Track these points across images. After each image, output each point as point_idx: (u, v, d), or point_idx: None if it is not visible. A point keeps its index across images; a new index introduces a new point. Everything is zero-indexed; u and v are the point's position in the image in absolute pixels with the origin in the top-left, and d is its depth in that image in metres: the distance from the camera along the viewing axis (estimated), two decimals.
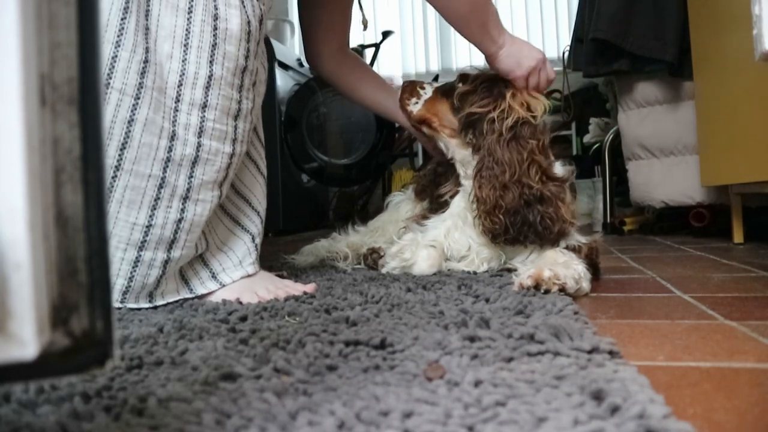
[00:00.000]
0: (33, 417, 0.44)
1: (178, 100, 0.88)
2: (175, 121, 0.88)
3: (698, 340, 0.64)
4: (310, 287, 0.99)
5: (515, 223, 1.08)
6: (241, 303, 0.91)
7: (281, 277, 1.09)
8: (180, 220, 0.90)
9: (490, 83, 1.18)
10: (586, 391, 0.43)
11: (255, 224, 1.05)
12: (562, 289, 0.89)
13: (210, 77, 0.89)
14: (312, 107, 2.89)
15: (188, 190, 0.90)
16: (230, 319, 0.76)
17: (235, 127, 0.93)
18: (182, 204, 0.90)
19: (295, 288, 0.98)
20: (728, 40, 1.53)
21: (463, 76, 1.23)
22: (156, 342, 0.65)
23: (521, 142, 1.10)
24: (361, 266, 1.33)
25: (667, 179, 1.97)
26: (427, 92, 1.26)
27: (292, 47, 3.58)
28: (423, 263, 1.15)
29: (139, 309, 0.90)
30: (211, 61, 0.89)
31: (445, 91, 1.25)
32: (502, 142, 1.10)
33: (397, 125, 2.85)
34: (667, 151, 1.99)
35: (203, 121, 0.89)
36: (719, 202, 1.85)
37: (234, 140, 0.93)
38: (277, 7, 3.83)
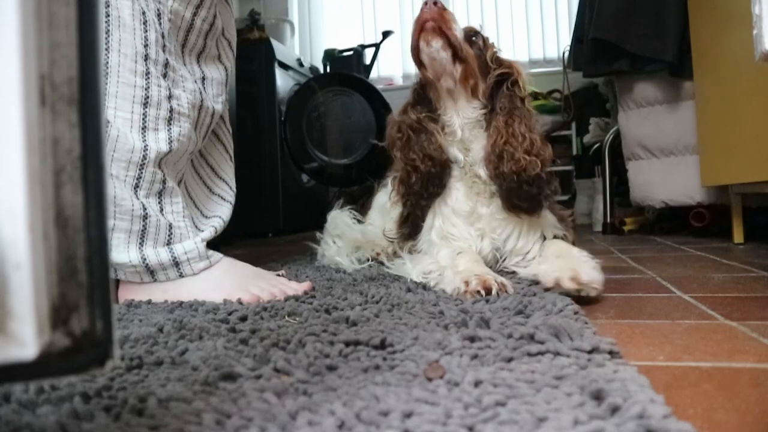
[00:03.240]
0: (33, 417, 0.44)
1: None
2: None
3: (698, 340, 0.64)
4: (305, 285, 0.99)
5: (530, 183, 1.03)
6: (241, 303, 0.91)
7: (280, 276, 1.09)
8: None
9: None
10: (586, 391, 0.43)
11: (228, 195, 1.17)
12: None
13: (106, 65, 0.91)
14: (312, 107, 2.89)
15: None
16: (230, 319, 0.76)
17: (144, 115, 0.93)
18: None
19: (289, 286, 0.98)
20: (728, 40, 1.53)
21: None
22: (156, 342, 0.65)
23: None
24: (361, 266, 1.33)
25: (667, 179, 1.97)
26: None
27: (292, 47, 3.58)
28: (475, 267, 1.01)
29: (139, 308, 0.90)
30: (107, 49, 0.91)
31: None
32: (524, 107, 1.08)
33: None
34: (667, 151, 1.99)
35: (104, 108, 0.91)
36: (719, 202, 1.85)
37: (143, 128, 0.94)
38: (277, 7, 3.83)
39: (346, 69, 3.13)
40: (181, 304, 0.92)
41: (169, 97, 0.97)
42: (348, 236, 1.43)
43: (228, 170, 1.20)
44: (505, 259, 1.12)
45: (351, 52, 3.20)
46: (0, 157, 0.26)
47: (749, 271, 1.14)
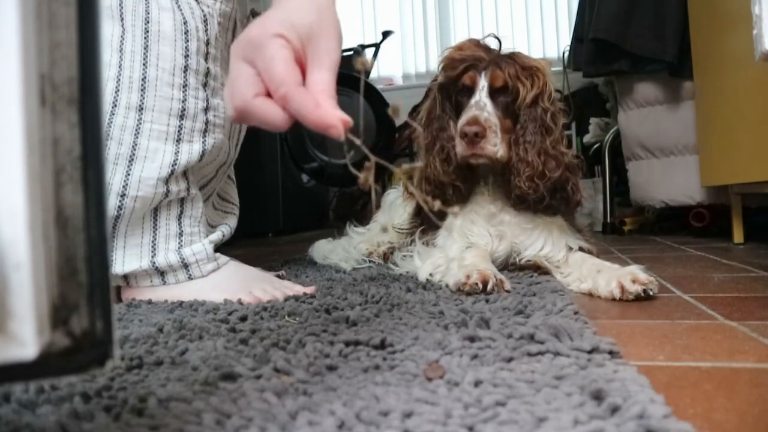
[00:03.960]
0: (33, 417, 0.44)
1: (115, 105, 0.91)
2: (110, 123, 0.91)
3: (698, 340, 0.64)
4: (309, 289, 0.99)
5: (554, 190, 1.09)
6: (241, 303, 0.91)
7: (280, 277, 1.09)
8: (117, 217, 0.93)
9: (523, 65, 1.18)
10: (586, 391, 0.43)
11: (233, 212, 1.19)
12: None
13: (143, 79, 0.91)
14: None
15: (125, 186, 0.92)
16: (230, 319, 0.76)
17: (180, 127, 0.94)
18: (119, 201, 0.92)
19: (293, 289, 0.98)
20: (728, 40, 1.53)
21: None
22: (156, 342, 0.65)
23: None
24: (361, 266, 1.33)
25: (667, 179, 1.97)
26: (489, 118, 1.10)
27: None
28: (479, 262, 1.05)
29: (139, 308, 0.90)
30: (144, 64, 0.91)
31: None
32: (544, 118, 1.13)
33: (397, 125, 2.86)
34: (667, 151, 1.99)
35: (139, 123, 0.91)
36: (719, 202, 1.85)
37: (178, 140, 0.94)
38: None
39: (346, 69, 3.13)
40: (181, 304, 0.92)
41: (206, 109, 0.97)
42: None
43: (231, 192, 1.22)
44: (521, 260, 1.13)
45: (351, 52, 3.21)
46: (0, 157, 0.26)
47: (749, 271, 1.14)
